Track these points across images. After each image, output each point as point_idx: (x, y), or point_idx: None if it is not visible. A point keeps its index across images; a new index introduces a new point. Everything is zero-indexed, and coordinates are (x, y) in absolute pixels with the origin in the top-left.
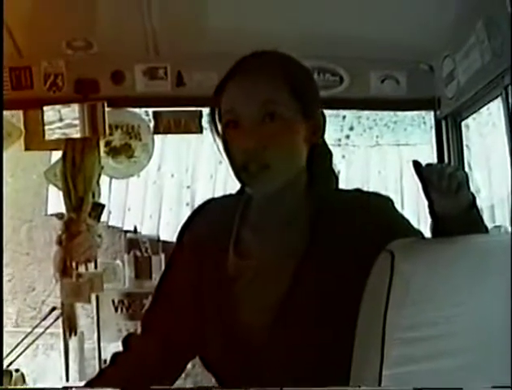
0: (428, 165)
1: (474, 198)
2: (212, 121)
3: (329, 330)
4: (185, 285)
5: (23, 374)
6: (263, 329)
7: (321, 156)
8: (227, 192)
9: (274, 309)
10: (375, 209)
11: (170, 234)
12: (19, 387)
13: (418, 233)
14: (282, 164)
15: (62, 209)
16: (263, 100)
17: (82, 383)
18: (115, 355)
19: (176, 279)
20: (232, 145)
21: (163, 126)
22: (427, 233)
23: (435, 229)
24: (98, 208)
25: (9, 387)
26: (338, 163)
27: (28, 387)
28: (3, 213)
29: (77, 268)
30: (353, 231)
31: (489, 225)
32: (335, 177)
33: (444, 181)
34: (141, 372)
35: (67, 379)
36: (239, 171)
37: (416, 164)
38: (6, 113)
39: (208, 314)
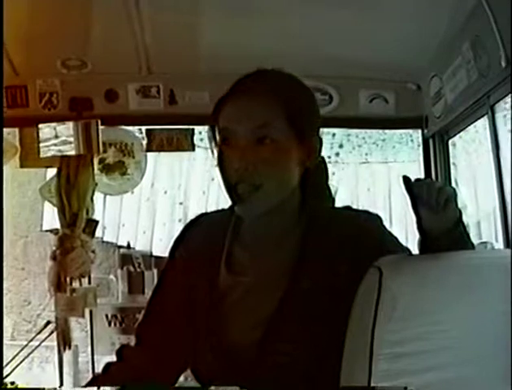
0: (417, 180)
1: (460, 215)
2: (212, 136)
3: (318, 345)
4: (176, 300)
5: (18, 387)
6: (252, 345)
7: (316, 176)
8: (219, 208)
9: (263, 326)
10: (365, 226)
11: (163, 250)
12: (18, 387)
13: (406, 250)
14: (272, 186)
15: (57, 225)
16: (258, 123)
17: None
18: (108, 365)
19: (168, 293)
20: (224, 163)
21: (156, 143)
22: (415, 250)
23: (423, 245)
24: (92, 224)
25: (8, 387)
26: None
27: (27, 387)
28: (3, 224)
29: (71, 283)
30: (342, 249)
31: (475, 241)
32: (330, 196)
33: (433, 195)
34: (133, 381)
35: None
36: (230, 189)
37: (406, 179)
38: None
39: (198, 329)
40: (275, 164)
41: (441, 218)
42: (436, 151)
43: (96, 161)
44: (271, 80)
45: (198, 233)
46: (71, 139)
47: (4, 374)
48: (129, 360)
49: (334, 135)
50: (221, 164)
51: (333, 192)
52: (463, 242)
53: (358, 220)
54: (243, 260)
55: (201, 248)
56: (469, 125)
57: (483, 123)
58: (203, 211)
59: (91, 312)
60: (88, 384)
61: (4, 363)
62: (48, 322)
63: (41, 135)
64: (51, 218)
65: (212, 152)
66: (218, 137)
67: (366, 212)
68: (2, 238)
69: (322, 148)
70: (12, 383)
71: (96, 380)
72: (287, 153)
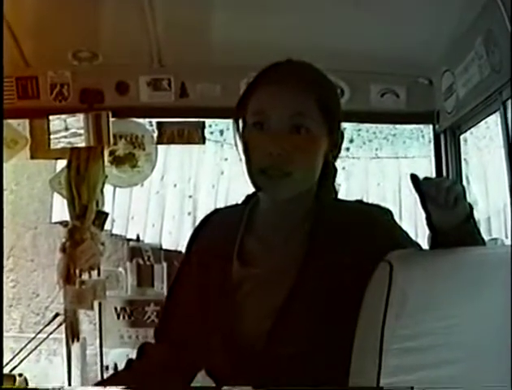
0: (426, 179)
1: (471, 210)
2: (235, 120)
3: (327, 338)
4: (194, 295)
5: (26, 379)
6: (262, 336)
7: (330, 170)
8: (229, 202)
9: (273, 317)
10: (375, 220)
11: (172, 243)
12: (17, 387)
13: (416, 245)
14: (301, 175)
15: (67, 217)
16: (294, 111)
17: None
18: (130, 361)
19: (185, 289)
20: (254, 147)
21: (167, 136)
22: (425, 244)
23: (433, 241)
24: (102, 216)
25: (8, 387)
26: (338, 175)
27: (26, 387)
28: (3, 219)
29: (80, 275)
30: (352, 242)
31: (486, 237)
32: (334, 190)
33: (442, 195)
34: (154, 378)
35: (70, 384)
36: (256, 173)
37: (414, 178)
38: (12, 122)
39: (212, 323)
40: (307, 154)
41: (451, 215)
42: (448, 147)
43: (106, 153)
44: (304, 71)
45: (213, 228)
46: (82, 131)
47: (12, 366)
48: (150, 357)
49: (344, 129)
50: (251, 147)
51: (337, 188)
52: (473, 238)
53: (369, 214)
54: (255, 252)
55: (215, 243)
56: (480, 121)
57: (494, 120)
58: (212, 204)
59: (100, 304)
60: (109, 379)
61: (12, 355)
62: (56, 315)
63: (51, 126)
64: (61, 210)
65: (235, 139)
66: (246, 122)
67: (377, 206)
68: (2, 235)
69: (343, 141)
70: (20, 374)
71: (117, 376)
72: (318, 143)
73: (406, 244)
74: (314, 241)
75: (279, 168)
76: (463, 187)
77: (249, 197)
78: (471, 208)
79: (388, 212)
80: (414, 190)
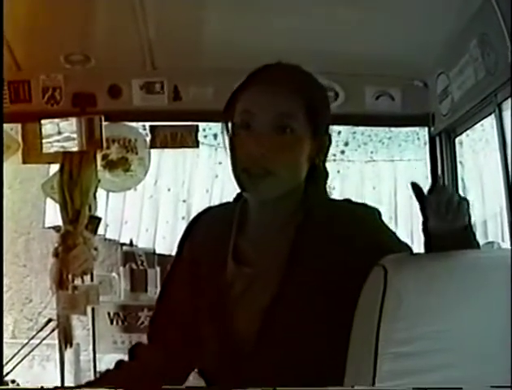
0: (430, 189)
1: (469, 219)
2: (225, 123)
3: (316, 339)
4: (186, 294)
5: (18, 385)
6: (252, 336)
7: (320, 173)
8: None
9: (261, 318)
10: (361, 219)
11: (166, 247)
12: (18, 387)
13: (405, 246)
14: (283, 175)
15: (60, 221)
16: (280, 112)
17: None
18: (120, 362)
19: (177, 288)
20: (239, 147)
21: (160, 140)
22: (418, 247)
23: (427, 245)
24: (95, 221)
25: (8, 387)
26: (333, 178)
27: (27, 387)
28: (3, 221)
29: (73, 280)
30: (338, 240)
31: (482, 241)
32: (326, 193)
33: (443, 208)
34: (144, 380)
35: None
36: (239, 172)
37: (415, 187)
38: (4, 126)
39: (205, 322)
40: (290, 155)
41: (449, 225)
42: (443, 149)
43: (99, 157)
44: (293, 74)
45: (206, 227)
46: (74, 135)
47: (4, 373)
48: (141, 358)
49: (339, 132)
50: (236, 146)
51: (329, 192)
52: (469, 243)
53: (355, 212)
54: (247, 251)
55: (208, 242)
56: (476, 123)
57: (490, 122)
58: None
59: (93, 310)
60: (98, 379)
61: (4, 361)
62: (49, 320)
63: (43, 131)
64: (53, 214)
65: (224, 140)
66: (234, 121)
67: (364, 205)
68: (1, 237)
69: (330, 147)
70: (13, 381)
71: (106, 376)
72: (302, 146)
73: (392, 244)
74: (301, 241)
75: (261, 167)
76: (467, 200)
77: (239, 195)
78: (469, 217)
79: (376, 211)
80: (415, 198)
